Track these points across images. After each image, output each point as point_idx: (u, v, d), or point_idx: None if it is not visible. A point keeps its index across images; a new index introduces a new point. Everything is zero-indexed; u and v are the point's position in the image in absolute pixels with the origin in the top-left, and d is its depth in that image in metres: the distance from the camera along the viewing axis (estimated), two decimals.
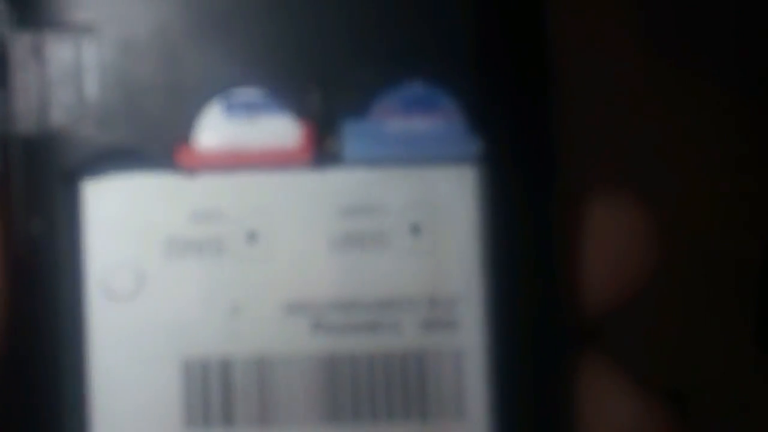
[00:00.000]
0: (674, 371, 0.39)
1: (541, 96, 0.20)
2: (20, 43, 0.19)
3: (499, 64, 0.19)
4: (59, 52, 0.19)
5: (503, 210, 0.19)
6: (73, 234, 0.19)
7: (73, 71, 0.19)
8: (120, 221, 0.20)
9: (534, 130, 0.20)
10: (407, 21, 0.19)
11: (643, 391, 0.19)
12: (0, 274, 0.19)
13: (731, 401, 0.40)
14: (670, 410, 0.19)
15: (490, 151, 0.19)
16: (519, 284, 0.19)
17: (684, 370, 0.39)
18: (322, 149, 0.19)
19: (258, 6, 0.19)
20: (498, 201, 0.19)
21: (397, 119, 0.20)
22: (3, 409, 0.19)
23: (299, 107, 0.19)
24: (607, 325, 0.20)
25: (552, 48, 0.20)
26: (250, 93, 0.19)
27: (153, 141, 0.19)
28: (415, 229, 0.20)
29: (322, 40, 0.19)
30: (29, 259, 0.19)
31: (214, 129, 0.19)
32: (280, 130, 0.19)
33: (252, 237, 0.20)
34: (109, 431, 0.19)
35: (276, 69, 0.19)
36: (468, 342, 0.19)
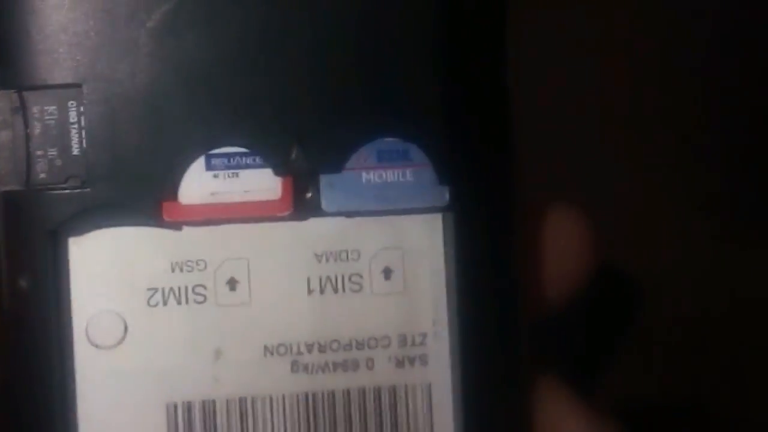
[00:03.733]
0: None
1: (502, 146, 0.21)
2: (3, 102, 0.19)
3: (465, 120, 0.21)
4: (43, 110, 0.20)
5: (468, 252, 0.21)
6: (59, 286, 0.20)
7: (58, 129, 0.20)
8: (104, 273, 0.20)
9: (496, 178, 0.21)
10: (380, 81, 0.20)
11: (597, 413, 0.21)
12: None
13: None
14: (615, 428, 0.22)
15: (457, 199, 0.21)
16: (483, 319, 0.21)
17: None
18: (301, 201, 0.20)
19: (238, 67, 0.20)
20: (463, 244, 0.21)
21: (371, 171, 0.21)
22: None
23: (279, 162, 0.20)
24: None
25: (512, 103, 0.21)
26: (231, 150, 0.20)
27: (138, 196, 0.20)
28: (387, 272, 0.21)
29: (301, 98, 0.20)
30: (15, 312, 0.20)
31: (198, 184, 0.20)
32: (261, 184, 0.20)
33: (232, 284, 0.21)
34: None
35: (256, 127, 0.20)
36: (437, 376, 0.21)
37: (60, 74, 0.20)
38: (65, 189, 0.20)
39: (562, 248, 0.22)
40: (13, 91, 0.20)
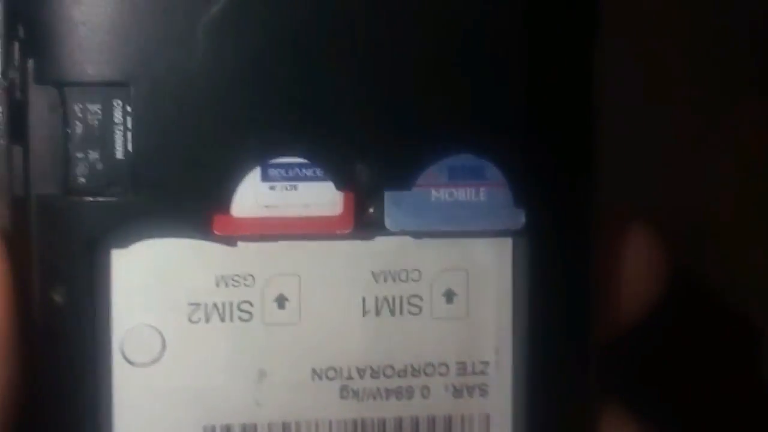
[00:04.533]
0: None
1: (584, 169, 0.19)
2: (41, 98, 0.17)
3: (546, 139, 0.19)
4: (86, 109, 0.17)
5: (538, 280, 0.19)
6: (97, 301, 0.18)
7: (101, 130, 0.18)
8: (144, 286, 0.18)
9: (575, 203, 0.19)
10: (457, 94, 0.18)
11: None
12: (17, 341, 0.18)
13: None
14: None
15: (532, 223, 0.19)
16: (549, 351, 0.19)
17: None
18: (362, 219, 0.19)
19: (302, 70, 0.18)
20: (534, 271, 0.19)
21: (441, 189, 0.19)
22: None
23: (341, 176, 0.18)
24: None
25: (598, 122, 0.19)
26: (290, 161, 0.18)
27: (187, 208, 0.18)
28: (450, 295, 0.19)
29: (369, 109, 0.18)
30: (48, 327, 0.18)
31: (252, 196, 0.18)
32: (321, 198, 0.18)
33: (281, 301, 0.19)
34: None
35: (318, 137, 0.18)
36: (496, 407, 0.20)
37: (106, 71, 0.17)
38: (107, 196, 0.18)
39: (638, 268, 0.20)
40: (53, 86, 0.17)
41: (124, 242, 0.18)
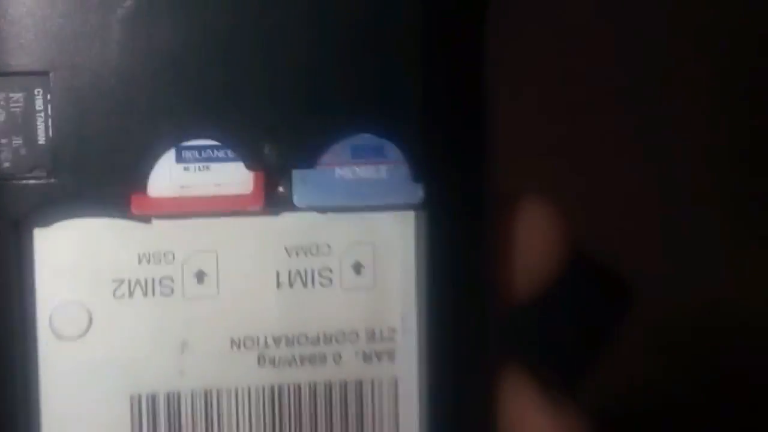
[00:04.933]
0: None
1: (478, 145, 0.21)
2: None
3: (440, 118, 0.20)
4: (9, 97, 0.19)
5: (439, 250, 0.21)
6: (23, 277, 0.19)
7: (24, 117, 0.19)
8: (69, 264, 0.20)
9: (470, 177, 0.21)
10: (357, 77, 0.20)
11: (559, 407, 0.22)
12: None
13: None
14: (584, 425, 0.22)
15: (430, 197, 0.20)
16: (451, 316, 0.21)
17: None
18: (272, 196, 0.20)
19: (212, 57, 0.19)
20: (434, 242, 0.21)
21: (344, 167, 0.20)
22: None
23: (251, 156, 0.20)
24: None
25: (492, 99, 0.20)
26: (202, 143, 0.20)
27: (106, 188, 0.19)
28: (358, 267, 0.21)
29: (274, 92, 0.20)
30: None
31: (168, 176, 0.20)
32: (232, 178, 0.20)
33: (200, 276, 0.20)
34: None
35: (228, 120, 0.19)
36: (404, 371, 0.21)
37: (27, 61, 0.19)
38: (30, 179, 0.19)
39: (533, 241, 0.22)
40: None
41: (47, 222, 0.19)
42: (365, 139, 0.20)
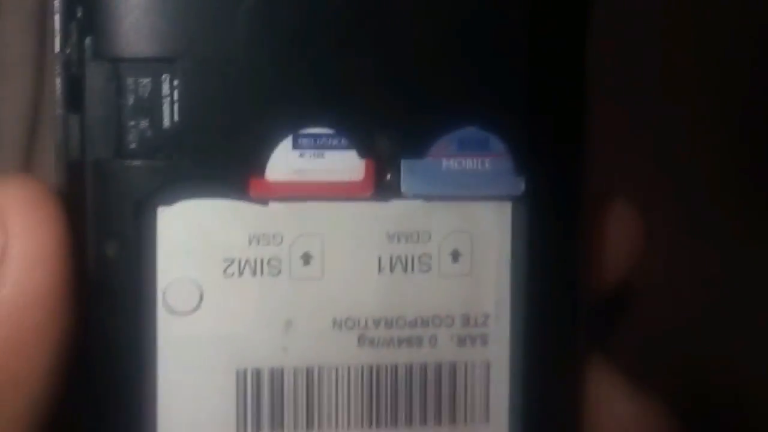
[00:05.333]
0: None
1: (577, 142, 0.22)
2: (97, 72, 0.20)
3: (544, 114, 0.21)
4: (137, 82, 0.20)
5: (535, 241, 0.22)
6: (144, 254, 0.20)
7: (150, 102, 0.20)
8: (186, 243, 0.21)
9: (569, 172, 0.22)
10: (466, 73, 0.21)
11: (643, 393, 0.23)
12: (74, 293, 0.20)
13: None
14: (667, 411, 0.23)
15: (530, 189, 0.21)
16: (543, 305, 0.22)
17: None
18: (381, 183, 0.21)
19: (330, 49, 0.20)
20: (532, 233, 0.22)
21: (451, 159, 0.21)
22: (79, 413, 0.20)
23: (363, 145, 0.20)
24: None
25: (590, 101, 0.21)
26: (319, 131, 0.20)
27: (227, 171, 0.20)
28: (456, 255, 0.22)
29: (389, 85, 0.20)
30: (100, 279, 0.20)
31: (284, 162, 0.20)
32: (345, 165, 0.21)
33: (306, 258, 0.21)
34: None
35: (344, 110, 0.20)
36: (496, 355, 0.22)
37: (155, 48, 0.20)
38: (154, 160, 0.20)
39: (618, 237, 0.23)
40: (107, 61, 0.20)
41: (169, 201, 0.20)
42: (471, 132, 0.21)
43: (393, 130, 0.20)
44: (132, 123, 0.20)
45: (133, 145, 0.20)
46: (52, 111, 0.23)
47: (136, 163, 0.20)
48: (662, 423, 0.23)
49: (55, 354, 0.20)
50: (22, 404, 0.20)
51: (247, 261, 0.21)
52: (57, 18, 0.20)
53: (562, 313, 0.22)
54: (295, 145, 0.20)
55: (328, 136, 0.20)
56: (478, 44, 0.21)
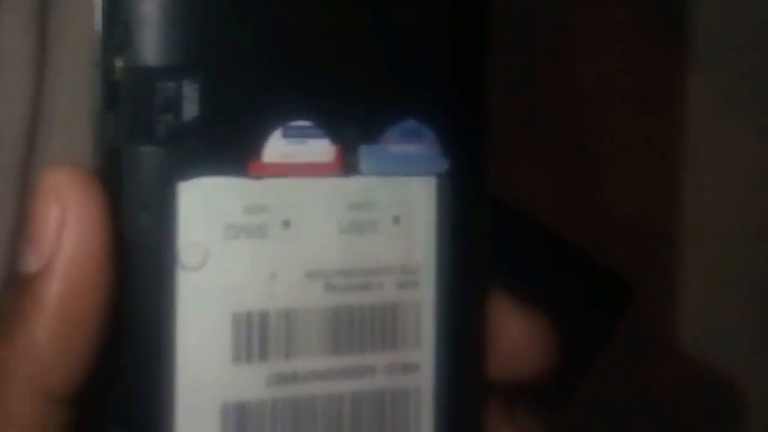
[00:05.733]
0: None
1: (484, 134, 0.29)
2: (133, 78, 0.25)
3: (461, 110, 0.28)
4: (166, 85, 0.25)
5: (455, 210, 0.29)
6: (169, 219, 0.26)
7: (175, 101, 0.25)
8: (198, 212, 0.26)
9: (479, 156, 0.29)
10: (406, 80, 0.27)
11: (531, 313, 0.30)
12: (115, 252, 0.25)
13: None
14: (553, 329, 0.30)
15: (452, 168, 0.28)
16: (460, 257, 0.29)
17: None
18: (345, 165, 0.27)
19: (313, 63, 0.26)
20: (453, 204, 0.29)
21: (396, 145, 0.28)
22: (116, 346, 0.26)
23: (334, 135, 0.27)
24: None
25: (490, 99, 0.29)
26: (301, 124, 0.27)
27: (232, 154, 0.26)
28: (396, 219, 0.28)
29: (352, 89, 0.27)
30: (136, 241, 0.26)
31: (276, 147, 0.26)
32: (321, 150, 0.27)
33: (286, 224, 0.27)
34: (185, 364, 0.27)
35: (320, 109, 0.27)
36: (425, 296, 0.29)
37: (178, 59, 0.25)
38: (177, 146, 0.25)
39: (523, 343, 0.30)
40: (141, 70, 0.25)
41: (188, 177, 0.26)
42: (411, 124, 0.28)
43: (355, 123, 0.27)
44: (160, 117, 0.25)
45: (161, 134, 0.25)
46: (52, 111, 0.28)
47: (163, 149, 0.25)
48: (547, 337, 0.30)
49: (104, 300, 0.25)
50: (80, 341, 0.25)
51: (242, 227, 0.27)
52: (98, 33, 0.25)
53: (474, 263, 0.29)
54: (284, 135, 0.26)
55: (308, 127, 0.27)
56: (414, 58, 0.27)
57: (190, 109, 0.25)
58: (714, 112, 0.46)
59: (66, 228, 0.24)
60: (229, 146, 0.26)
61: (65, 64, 0.33)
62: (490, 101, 0.29)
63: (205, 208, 0.26)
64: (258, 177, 0.26)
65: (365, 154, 0.27)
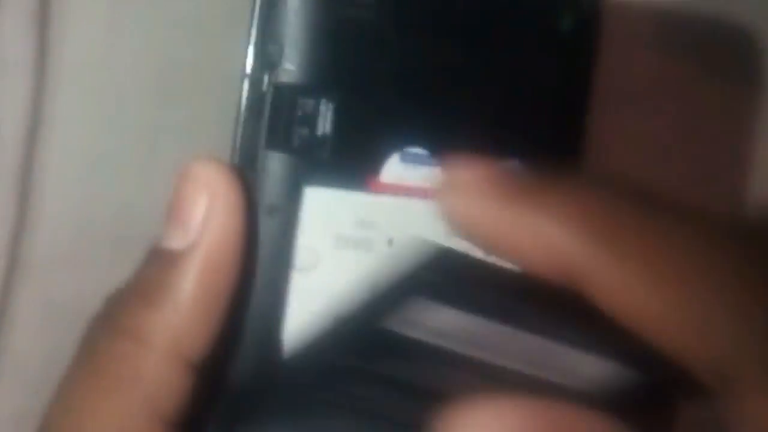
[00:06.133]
0: None
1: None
2: (277, 94, 0.30)
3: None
4: (305, 102, 0.30)
5: None
6: (293, 224, 0.29)
7: (312, 116, 0.30)
8: (315, 220, 0.29)
9: None
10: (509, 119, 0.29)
11: None
12: (251, 242, 0.29)
13: None
14: None
15: None
16: None
17: None
18: None
19: (428, 94, 0.30)
20: None
21: None
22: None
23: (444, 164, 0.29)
24: None
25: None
26: (418, 150, 0.29)
27: (354, 171, 0.29)
28: None
29: (462, 125, 0.29)
30: (265, 237, 0.29)
31: (393, 170, 0.29)
32: (430, 176, 0.29)
33: (390, 242, 0.29)
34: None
35: (437, 139, 0.29)
36: None
37: (317, 79, 0.30)
38: (309, 156, 0.30)
39: None
40: (285, 87, 0.30)
41: (313, 186, 0.30)
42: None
43: (463, 156, 0.29)
44: (298, 130, 0.30)
45: (296, 144, 0.30)
46: (52, 111, 0.31)
47: (297, 156, 0.30)
48: None
49: (237, 281, 0.28)
50: (216, 314, 0.28)
51: (351, 237, 0.29)
52: (251, 49, 0.30)
53: None
54: (402, 159, 0.29)
55: (423, 155, 0.29)
56: (528, 106, 0.29)
57: (324, 125, 0.30)
58: None
59: (213, 214, 0.28)
60: (352, 163, 0.30)
61: (65, 64, 0.34)
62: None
63: (322, 216, 0.30)
64: (373, 194, 0.29)
65: None
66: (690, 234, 0.22)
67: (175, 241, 0.28)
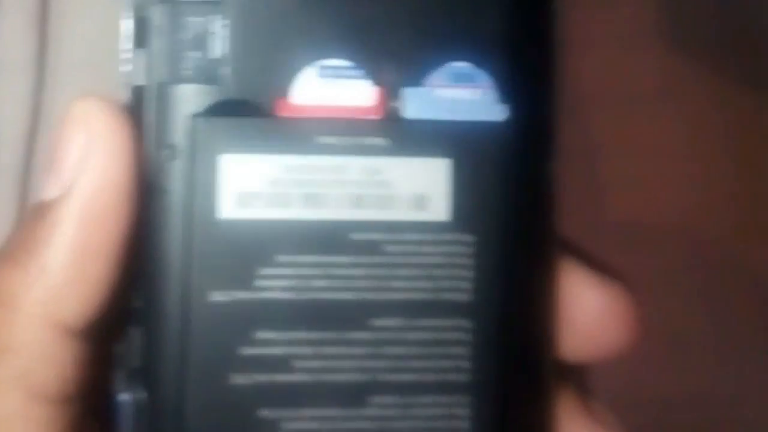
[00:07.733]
0: None
1: (551, 80, 0.25)
2: (160, 13, 0.25)
3: (524, 55, 0.25)
4: (194, 21, 0.25)
5: (520, 158, 0.25)
6: (189, 162, 0.25)
7: (203, 36, 0.25)
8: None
9: (544, 105, 0.24)
10: (458, 16, 0.25)
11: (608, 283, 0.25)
12: (138, 184, 0.25)
13: None
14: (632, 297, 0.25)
15: (511, 116, 0.23)
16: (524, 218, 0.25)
17: None
18: (388, 109, 0.24)
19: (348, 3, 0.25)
20: (515, 152, 0.24)
21: (445, 89, 0.24)
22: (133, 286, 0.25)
23: (374, 76, 0.24)
24: None
25: (562, 45, 0.25)
26: (338, 62, 0.25)
27: (258, 94, 0.25)
28: None
29: (398, 29, 0.25)
30: (156, 177, 0.25)
31: (308, 88, 0.25)
32: (359, 93, 0.24)
33: None
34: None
35: (360, 46, 0.25)
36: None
37: None
38: (204, 84, 0.25)
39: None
40: (169, 4, 0.25)
41: (212, 114, 0.25)
42: (463, 66, 0.24)
43: (398, 64, 0.24)
44: (189, 54, 0.25)
45: (188, 72, 0.25)
46: (52, 111, 0.29)
47: (189, 85, 0.25)
48: (629, 308, 0.25)
49: (122, 233, 0.24)
50: (95, 273, 0.24)
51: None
52: None
53: (539, 223, 0.23)
54: (322, 74, 0.25)
55: (348, 67, 0.25)
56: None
57: (219, 46, 0.25)
58: None
59: (90, 155, 0.24)
60: (258, 86, 0.25)
61: (65, 64, 0.33)
62: (556, 42, 0.24)
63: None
64: (284, 119, 0.25)
65: (409, 99, 0.25)
66: None
67: (50, 191, 0.24)
